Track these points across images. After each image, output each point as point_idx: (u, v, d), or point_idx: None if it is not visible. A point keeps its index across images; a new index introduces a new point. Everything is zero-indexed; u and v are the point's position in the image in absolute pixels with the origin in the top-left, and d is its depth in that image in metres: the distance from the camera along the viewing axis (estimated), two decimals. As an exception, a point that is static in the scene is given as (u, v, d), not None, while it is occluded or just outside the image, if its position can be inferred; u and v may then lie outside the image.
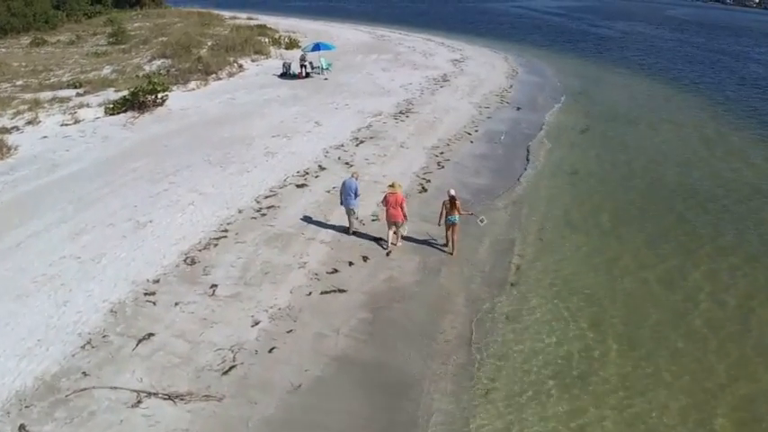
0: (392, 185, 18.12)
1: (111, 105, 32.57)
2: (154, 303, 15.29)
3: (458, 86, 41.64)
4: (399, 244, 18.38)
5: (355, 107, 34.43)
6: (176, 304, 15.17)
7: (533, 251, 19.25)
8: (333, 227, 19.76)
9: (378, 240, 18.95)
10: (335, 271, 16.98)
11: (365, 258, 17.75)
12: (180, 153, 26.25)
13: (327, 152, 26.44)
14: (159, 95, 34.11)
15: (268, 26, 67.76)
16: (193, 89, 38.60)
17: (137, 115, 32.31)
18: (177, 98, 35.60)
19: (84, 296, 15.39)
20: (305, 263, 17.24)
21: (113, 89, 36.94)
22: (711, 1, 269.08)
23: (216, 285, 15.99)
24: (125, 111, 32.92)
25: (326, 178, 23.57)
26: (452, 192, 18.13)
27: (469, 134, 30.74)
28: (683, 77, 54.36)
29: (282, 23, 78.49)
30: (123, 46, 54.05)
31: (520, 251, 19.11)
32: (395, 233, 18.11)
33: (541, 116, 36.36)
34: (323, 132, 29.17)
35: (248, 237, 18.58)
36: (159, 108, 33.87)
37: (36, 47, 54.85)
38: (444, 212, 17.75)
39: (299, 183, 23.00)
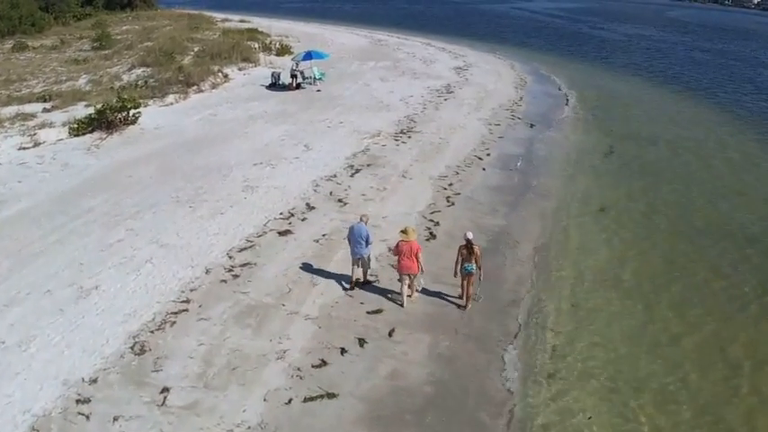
0: (405, 231, 15.19)
1: (76, 125, 28.41)
2: (87, 417, 11.61)
3: (463, 99, 37.68)
4: (415, 296, 15.68)
5: (350, 125, 30.59)
6: (115, 420, 11.50)
7: (570, 324, 15.56)
8: (322, 292, 15.96)
9: (389, 295, 15.92)
10: (323, 363, 13.07)
11: (362, 342, 13.88)
12: (145, 187, 22.50)
13: (317, 185, 22.45)
14: (131, 112, 29.73)
15: (259, 30, 63.39)
16: (171, 103, 34.72)
17: (104, 136, 28.67)
18: (152, 114, 31.93)
19: (1, 404, 11.46)
20: (284, 351, 13.32)
21: (84, 103, 33.03)
22: (710, 2, 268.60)
23: (168, 389, 12.15)
24: (91, 131, 29.17)
25: (315, 221, 19.90)
26: (470, 235, 15.28)
27: (481, 159, 26.81)
28: (696, 85, 51.35)
29: (275, 26, 75.05)
30: (106, 52, 50.58)
31: (554, 323, 15.33)
32: (409, 286, 15.36)
33: (558, 135, 32.88)
34: (313, 158, 25.21)
35: (215, 310, 14.64)
36: (131, 127, 30.29)
37: (17, 52, 51.44)
38: (460, 260, 15.00)
39: (282, 229, 19.13)
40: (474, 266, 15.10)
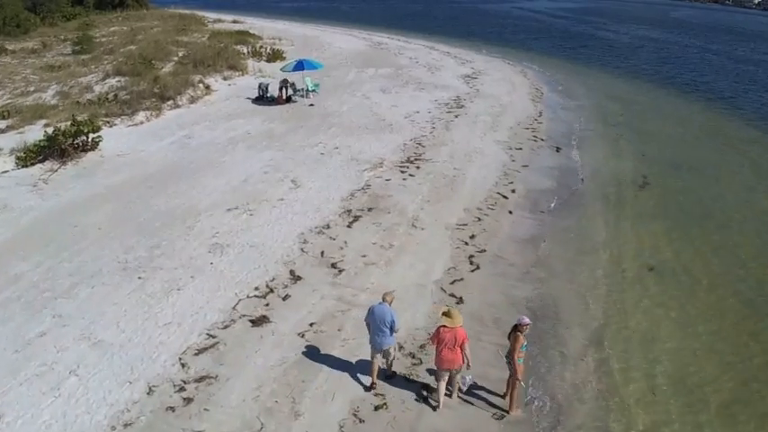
0: (448, 314, 11.80)
1: (24, 154, 24.35)
2: None
3: (476, 115, 32.87)
4: (455, 397, 12.23)
5: (348, 151, 26.19)
6: None
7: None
8: (307, 429, 11.11)
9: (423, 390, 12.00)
10: None
11: None
12: (91, 243, 17.93)
13: (305, 242, 17.66)
14: (90, 137, 25.47)
15: (250, 32, 58.34)
16: (142, 122, 30.30)
17: (56, 167, 24.20)
18: (117, 137, 27.67)
19: None
20: None
21: (45, 121, 28.74)
22: (710, 2, 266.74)
23: None
24: (42, 160, 24.75)
25: (301, 301, 15.30)
26: (525, 320, 11.87)
27: (505, 197, 22.06)
28: (716, 94, 47.15)
29: (269, 28, 70.90)
30: (85, 56, 46.29)
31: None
32: (449, 384, 12.06)
33: (588, 160, 28.47)
34: (301, 200, 20.42)
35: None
36: (89, 154, 25.92)
37: (-7, 56, 46.61)
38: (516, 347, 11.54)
39: (257, 314, 14.30)
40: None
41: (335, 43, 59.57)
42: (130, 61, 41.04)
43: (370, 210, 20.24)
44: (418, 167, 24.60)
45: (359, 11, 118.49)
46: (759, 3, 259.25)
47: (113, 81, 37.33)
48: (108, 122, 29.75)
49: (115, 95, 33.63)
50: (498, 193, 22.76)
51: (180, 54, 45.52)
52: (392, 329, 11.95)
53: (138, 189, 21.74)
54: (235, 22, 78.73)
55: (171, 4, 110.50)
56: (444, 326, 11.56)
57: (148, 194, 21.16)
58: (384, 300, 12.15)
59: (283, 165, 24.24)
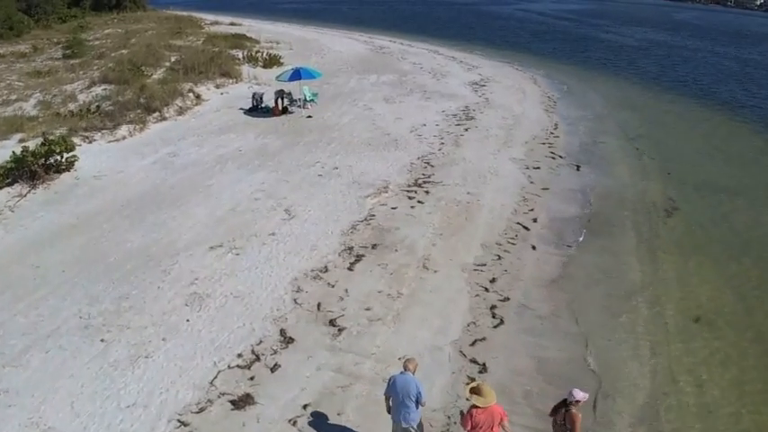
0: (477, 391, 9.52)
1: (-10, 176, 21.12)
2: None
3: (488, 128, 30.24)
4: None
5: (349, 172, 23.71)
6: None
7: None
8: None
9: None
10: None
11: None
12: (51, 290, 15.49)
13: (299, 289, 15.16)
14: (63, 156, 23.23)
15: (247, 36, 55.68)
16: (124, 137, 27.68)
17: (25, 191, 21.88)
18: (96, 155, 25.25)
19: None
20: None
21: (21, 136, 26.46)
22: (712, 3, 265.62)
23: None
24: (10, 183, 22.23)
25: (292, 373, 12.92)
26: (581, 394, 9.65)
27: (527, 228, 19.47)
28: (735, 101, 44.52)
29: (267, 30, 68.36)
30: (75, 61, 43.96)
31: None
32: None
33: (611, 182, 25.91)
34: (296, 235, 17.87)
35: None
36: (63, 175, 23.43)
37: (-20, 61, 44.36)
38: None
39: (239, 392, 11.85)
40: None
41: (335, 47, 56.92)
42: (119, 67, 38.53)
43: (374, 247, 17.51)
44: (427, 192, 21.90)
45: (359, 12, 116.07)
46: (761, 4, 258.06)
47: (99, 89, 34.88)
48: (87, 138, 27.18)
49: (98, 107, 30.97)
50: (518, 223, 20.13)
51: (172, 59, 42.98)
52: (418, 402, 10.05)
53: (113, 219, 19.17)
54: (232, 24, 76.37)
55: (170, 5, 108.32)
56: (476, 406, 9.38)
57: (123, 226, 18.55)
58: (407, 368, 10.27)
59: (277, 189, 21.55)
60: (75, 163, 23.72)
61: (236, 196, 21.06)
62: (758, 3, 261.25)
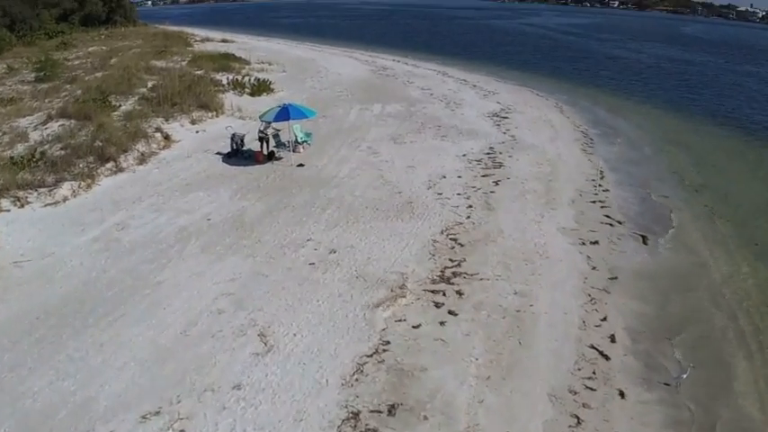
0: None
1: None
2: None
3: (522, 180, 24.49)
4: None
5: (350, 260, 17.90)
6: None
7: None
8: None
9: None
10: None
11: None
12: None
13: None
14: None
15: (236, 56, 49.35)
16: (65, 198, 20.88)
17: None
18: (25, 225, 19.65)
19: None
20: None
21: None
22: (714, 16, 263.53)
23: None
24: None
25: None
26: None
27: (605, 357, 14.28)
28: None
29: (261, 47, 63.17)
30: (45, 85, 38.57)
31: None
32: None
33: (688, 260, 19.95)
34: (273, 386, 12.48)
35: None
36: None
37: (-54, 85, 39.52)
38: None
39: None
40: None
41: (334, 68, 50.66)
42: (85, 96, 33.04)
43: (391, 411, 11.21)
44: (460, 293, 15.49)
45: (360, 28, 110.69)
46: (763, 17, 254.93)
47: (56, 125, 29.11)
48: (19, 200, 20.89)
49: (42, 153, 24.49)
50: (592, 346, 13.71)
51: (149, 85, 36.56)
52: None
53: (19, 346, 13.30)
54: (224, 41, 70.90)
55: (166, 20, 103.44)
56: None
57: (28, 362, 12.33)
58: None
59: (251, 291, 15.16)
60: (-6, 239, 17.05)
61: (193, 305, 14.65)
62: (760, 15, 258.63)
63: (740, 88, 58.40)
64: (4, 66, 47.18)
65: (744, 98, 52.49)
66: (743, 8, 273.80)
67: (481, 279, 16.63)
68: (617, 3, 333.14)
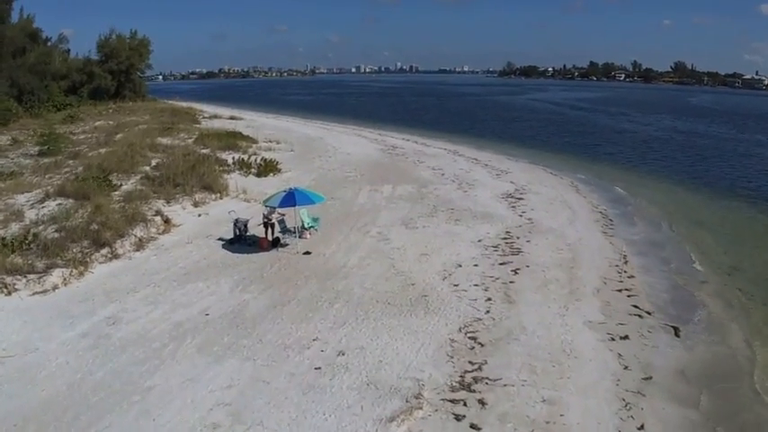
0: None
1: None
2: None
3: (543, 268, 23.28)
4: None
5: (360, 363, 16.33)
6: None
7: None
8: None
9: None
10: None
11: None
12: None
13: None
14: None
15: (243, 134, 48.76)
16: (54, 287, 19.67)
17: None
18: (11, 315, 18.53)
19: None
20: None
21: None
22: (720, 85, 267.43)
23: None
24: None
25: None
26: None
27: None
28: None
29: (269, 125, 62.58)
30: (47, 160, 38.28)
31: None
32: None
33: (726, 353, 18.35)
34: None
35: None
36: None
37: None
38: None
39: None
40: None
41: (342, 147, 49.87)
42: (85, 174, 32.31)
43: None
44: (483, 403, 13.87)
45: (368, 105, 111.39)
46: None
47: (53, 204, 28.30)
48: (6, 287, 19.46)
49: (35, 235, 23.11)
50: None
51: (153, 163, 35.56)
52: None
53: None
54: (232, 118, 70.89)
55: (176, 96, 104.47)
56: None
57: None
58: None
59: (250, 402, 13.57)
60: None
61: (186, 417, 13.05)
62: (765, 83, 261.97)
63: (754, 159, 58.25)
64: (9, 138, 47.20)
65: (759, 169, 52.13)
66: (749, 76, 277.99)
67: (505, 385, 14.87)
68: (623, 76, 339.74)
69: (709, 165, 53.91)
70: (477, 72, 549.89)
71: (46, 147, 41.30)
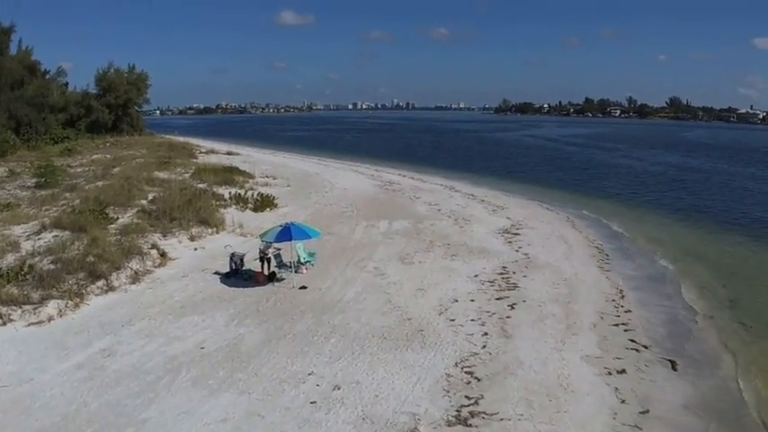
0: None
1: None
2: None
3: (539, 303, 23.60)
4: None
5: (355, 397, 16.28)
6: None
7: None
8: None
9: None
10: None
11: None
12: None
13: None
14: None
15: (240, 170, 48.99)
16: (50, 318, 20.10)
17: None
18: (5, 346, 18.54)
19: None
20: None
21: None
22: (715, 120, 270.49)
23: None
24: None
25: None
26: None
27: None
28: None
29: (265, 161, 62.90)
30: (44, 192, 38.41)
31: None
32: None
33: (721, 387, 18.29)
34: None
35: None
36: None
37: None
38: None
39: None
40: None
41: (339, 183, 50.07)
42: (82, 207, 32.33)
43: None
44: (479, 439, 13.26)
45: (365, 141, 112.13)
46: (763, 118, 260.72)
47: (49, 236, 28.36)
48: (1, 317, 19.41)
49: (31, 267, 23.17)
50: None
51: (149, 197, 35.59)
52: None
53: None
54: (229, 153, 71.20)
55: (174, 130, 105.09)
56: None
57: None
58: None
59: (245, 436, 12.95)
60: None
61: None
62: (760, 117, 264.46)
63: (748, 192, 59.08)
64: (6, 169, 47.37)
65: (752, 202, 52.90)
66: (743, 110, 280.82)
67: (502, 419, 14.85)
68: (618, 111, 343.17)
69: (704, 199, 54.44)
70: (474, 109, 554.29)
71: (43, 179, 41.39)
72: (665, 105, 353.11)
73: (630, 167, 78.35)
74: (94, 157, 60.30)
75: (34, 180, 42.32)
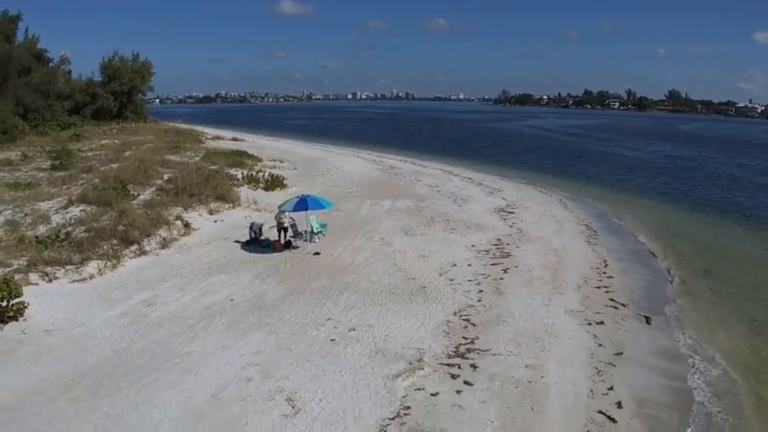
0: None
1: None
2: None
3: (530, 269, 26.40)
4: None
5: (369, 336, 18.98)
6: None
7: None
8: None
9: None
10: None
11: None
12: None
13: None
14: (9, 303, 18.46)
15: (249, 153, 51.43)
16: (91, 276, 22.26)
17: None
18: (54, 298, 20.75)
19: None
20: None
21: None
22: (713, 113, 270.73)
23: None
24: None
25: None
26: None
27: (612, 419, 15.22)
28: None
29: (271, 146, 65.09)
30: (61, 173, 40.52)
31: None
32: None
33: (692, 337, 20.69)
34: None
35: None
36: (9, 325, 18.60)
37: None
38: None
39: None
40: None
41: (343, 167, 52.54)
42: (103, 185, 34.55)
43: None
44: (475, 366, 16.47)
45: (365, 130, 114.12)
46: (762, 111, 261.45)
47: (76, 210, 30.74)
48: (47, 275, 22.09)
49: (67, 234, 25.68)
50: (601, 411, 14.63)
51: (165, 177, 38.30)
52: None
53: (56, 402, 14.39)
54: (234, 139, 73.30)
55: (179, 118, 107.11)
56: None
57: (67, 416, 13.56)
58: None
59: (276, 362, 16.07)
60: (26, 310, 18.75)
61: (222, 373, 15.45)
62: (759, 110, 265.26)
63: (734, 179, 61.48)
64: (19, 153, 49.33)
65: (736, 187, 55.45)
66: (742, 104, 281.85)
67: (494, 354, 17.46)
68: (617, 104, 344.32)
69: (690, 185, 56.74)
70: (473, 100, 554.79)
71: (58, 161, 43.49)
72: (664, 98, 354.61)
73: (625, 156, 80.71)
74: (103, 142, 62.56)
75: (49, 162, 44.38)
